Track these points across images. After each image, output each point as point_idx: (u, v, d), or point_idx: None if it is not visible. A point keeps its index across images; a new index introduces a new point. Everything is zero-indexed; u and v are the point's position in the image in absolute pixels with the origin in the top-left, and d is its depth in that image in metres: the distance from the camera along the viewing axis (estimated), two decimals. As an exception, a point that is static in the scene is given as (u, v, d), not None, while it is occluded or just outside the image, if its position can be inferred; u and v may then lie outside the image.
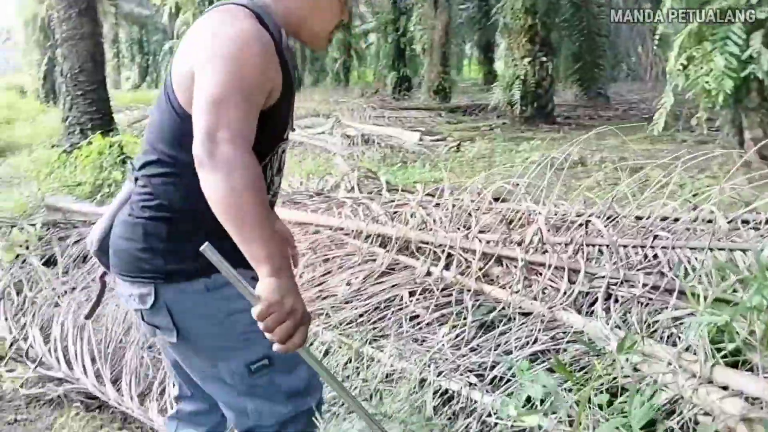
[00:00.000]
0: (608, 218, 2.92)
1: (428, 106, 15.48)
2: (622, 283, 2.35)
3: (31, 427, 2.62)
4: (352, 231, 3.40)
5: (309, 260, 3.32)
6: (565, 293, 2.51)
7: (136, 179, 1.47)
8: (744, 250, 2.36)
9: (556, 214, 3.03)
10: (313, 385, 1.59)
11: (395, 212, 3.54)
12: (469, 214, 3.21)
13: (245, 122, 1.27)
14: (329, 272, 3.19)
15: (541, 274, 2.69)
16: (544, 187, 3.16)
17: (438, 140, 9.72)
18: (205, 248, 1.19)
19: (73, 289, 3.42)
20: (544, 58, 12.38)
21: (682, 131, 8.51)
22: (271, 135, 1.43)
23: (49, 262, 4.00)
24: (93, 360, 2.76)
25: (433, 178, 6.67)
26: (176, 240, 1.43)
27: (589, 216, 2.85)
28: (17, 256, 3.88)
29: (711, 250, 2.40)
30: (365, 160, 7.91)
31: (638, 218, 2.94)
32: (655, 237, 2.64)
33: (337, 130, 9.48)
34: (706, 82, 5.26)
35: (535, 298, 2.57)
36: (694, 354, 1.86)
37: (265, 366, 1.48)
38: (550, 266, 2.65)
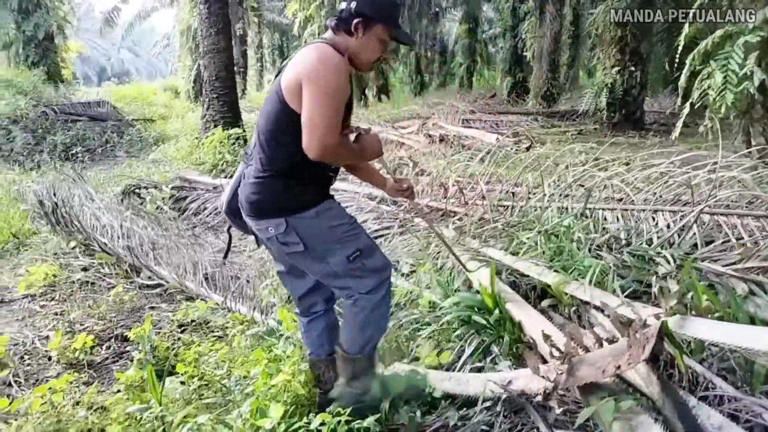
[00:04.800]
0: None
1: (528, 111, 16.19)
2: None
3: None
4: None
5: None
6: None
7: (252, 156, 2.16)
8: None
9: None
10: (386, 262, 2.29)
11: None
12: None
13: (337, 121, 1.98)
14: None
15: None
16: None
17: (516, 142, 10.74)
18: None
19: (194, 227, 5.09)
20: (633, 68, 12.90)
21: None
22: (343, 119, 2.11)
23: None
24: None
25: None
26: (292, 188, 2.12)
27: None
28: (157, 207, 5.69)
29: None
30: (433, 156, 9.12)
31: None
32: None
33: (422, 131, 10.82)
34: (712, 96, 6.08)
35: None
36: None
37: (358, 256, 2.18)
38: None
